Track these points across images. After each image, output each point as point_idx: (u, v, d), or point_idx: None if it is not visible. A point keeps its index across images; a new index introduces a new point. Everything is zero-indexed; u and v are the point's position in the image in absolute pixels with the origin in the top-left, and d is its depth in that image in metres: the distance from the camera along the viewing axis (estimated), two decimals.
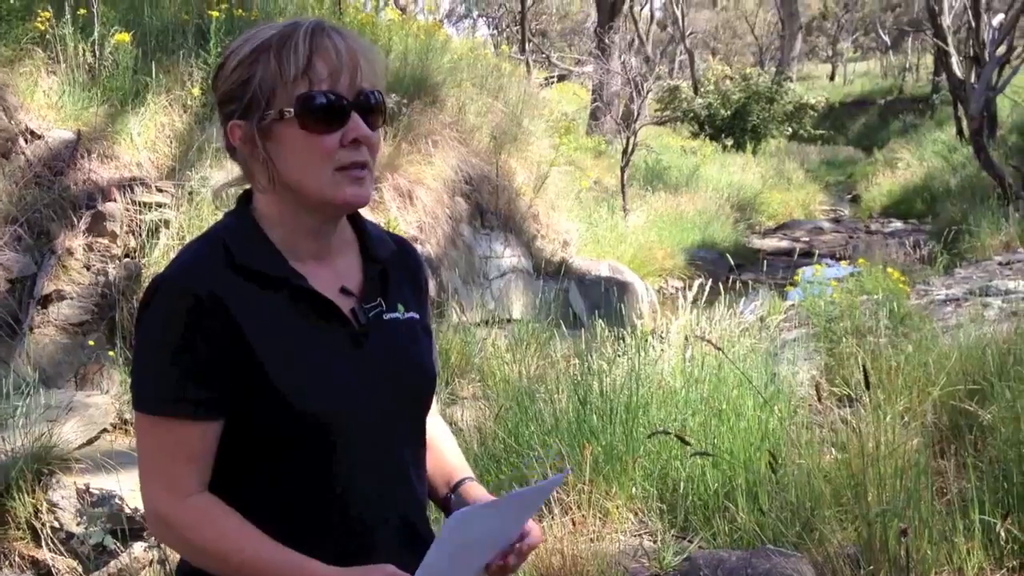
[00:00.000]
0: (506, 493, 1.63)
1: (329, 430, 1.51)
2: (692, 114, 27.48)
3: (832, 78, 50.35)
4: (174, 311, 1.44)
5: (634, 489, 4.25)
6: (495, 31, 38.33)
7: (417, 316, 1.69)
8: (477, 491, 1.74)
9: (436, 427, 1.81)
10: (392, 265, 1.67)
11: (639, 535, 4.07)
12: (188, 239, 5.60)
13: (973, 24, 15.41)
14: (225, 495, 1.49)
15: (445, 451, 1.79)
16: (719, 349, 4.45)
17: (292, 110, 1.45)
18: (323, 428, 1.50)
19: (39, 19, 5.83)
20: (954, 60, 16.48)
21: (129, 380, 1.52)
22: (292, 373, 1.47)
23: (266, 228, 1.54)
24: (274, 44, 1.46)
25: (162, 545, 3.93)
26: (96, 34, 6.09)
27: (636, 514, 4.20)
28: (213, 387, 1.45)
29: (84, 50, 6.02)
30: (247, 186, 1.60)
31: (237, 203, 1.60)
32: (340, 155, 1.48)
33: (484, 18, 40.55)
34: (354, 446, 1.53)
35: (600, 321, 5.76)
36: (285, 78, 1.45)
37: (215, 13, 6.61)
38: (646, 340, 5.37)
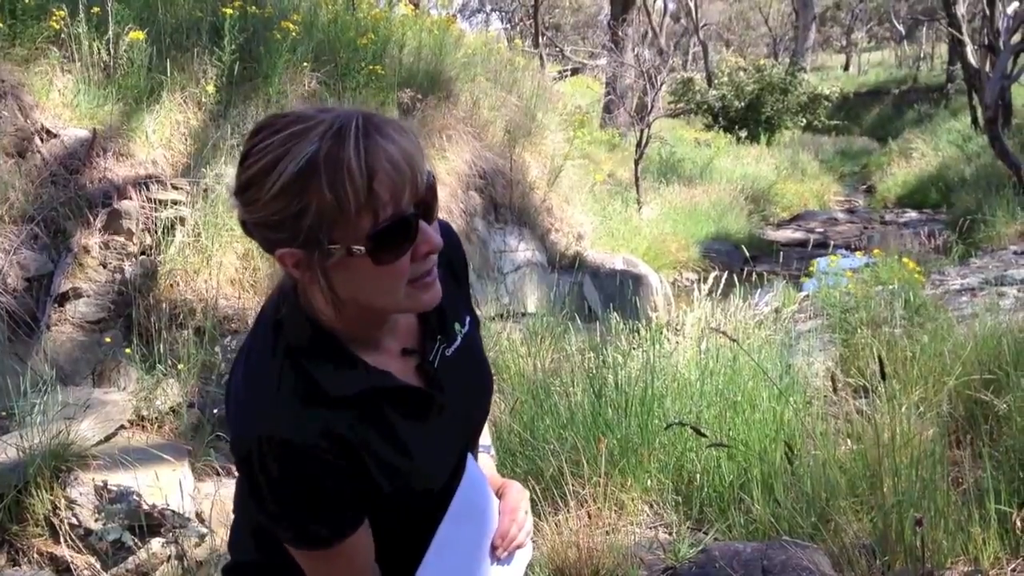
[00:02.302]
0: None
1: (431, 497, 1.54)
2: (706, 106, 27.44)
3: (846, 68, 50.01)
4: (292, 467, 1.36)
5: (649, 481, 4.24)
6: (508, 25, 38.39)
7: (468, 320, 1.64)
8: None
9: None
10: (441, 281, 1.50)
11: (654, 527, 4.07)
12: (203, 236, 5.66)
13: (988, 12, 15.31)
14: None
15: None
16: (734, 341, 4.44)
17: (362, 248, 1.31)
18: (427, 497, 1.53)
19: (54, 18, 5.86)
20: (969, 49, 16.39)
21: (270, 516, 1.43)
22: (399, 473, 1.46)
23: (330, 329, 1.43)
24: (323, 168, 1.26)
25: (180, 541, 3.96)
26: (111, 32, 6.11)
27: (651, 506, 4.20)
28: (356, 497, 1.43)
29: (99, 48, 6.04)
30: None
31: (287, 305, 1.44)
32: (412, 269, 1.37)
33: (497, 12, 40.58)
34: (442, 492, 1.57)
35: (615, 314, 5.73)
36: (346, 213, 1.28)
37: (229, 10, 6.62)
38: (661, 332, 5.37)
